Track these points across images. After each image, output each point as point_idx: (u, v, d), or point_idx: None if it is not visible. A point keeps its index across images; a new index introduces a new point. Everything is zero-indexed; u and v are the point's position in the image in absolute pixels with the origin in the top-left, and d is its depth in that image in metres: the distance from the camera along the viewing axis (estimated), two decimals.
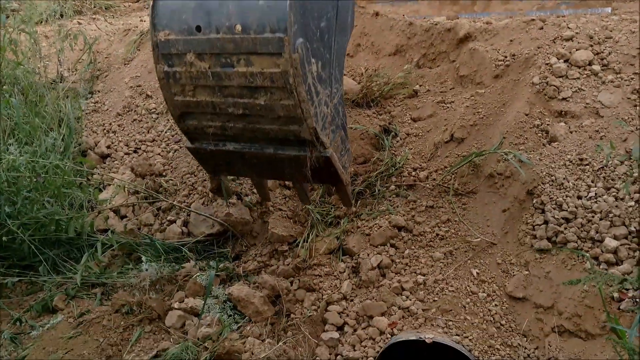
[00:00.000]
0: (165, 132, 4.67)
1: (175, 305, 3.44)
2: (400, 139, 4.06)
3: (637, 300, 2.89)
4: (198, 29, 2.51)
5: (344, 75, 3.66)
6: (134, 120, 4.82)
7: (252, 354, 3.08)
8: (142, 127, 4.77)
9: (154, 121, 4.77)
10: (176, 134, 4.64)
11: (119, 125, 4.82)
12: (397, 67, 4.64)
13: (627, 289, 2.98)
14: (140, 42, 5.46)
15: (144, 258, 3.73)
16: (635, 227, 3.10)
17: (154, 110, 4.83)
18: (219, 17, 2.47)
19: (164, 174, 4.37)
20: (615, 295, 2.99)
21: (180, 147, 4.54)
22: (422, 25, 4.70)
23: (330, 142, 2.67)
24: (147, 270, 3.66)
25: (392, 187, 3.81)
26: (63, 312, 3.49)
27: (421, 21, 4.77)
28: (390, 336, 3.14)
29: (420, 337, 3.00)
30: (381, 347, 3.10)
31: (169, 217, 4.10)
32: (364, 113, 4.25)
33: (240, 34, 2.44)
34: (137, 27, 5.72)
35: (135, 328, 3.32)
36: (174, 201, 4.13)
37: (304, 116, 2.49)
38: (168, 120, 4.73)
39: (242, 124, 2.67)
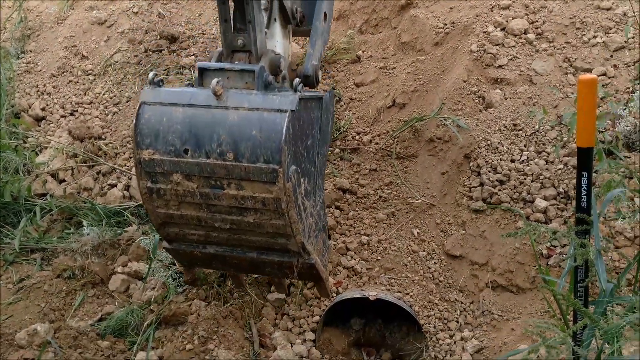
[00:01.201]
0: (103, 95, 4.54)
1: (119, 269, 3.41)
2: (344, 104, 4.12)
3: (564, 255, 3.10)
4: (186, 151, 2.43)
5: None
6: (70, 81, 4.65)
7: (199, 315, 3.11)
8: (78, 88, 4.60)
9: (91, 83, 4.62)
10: (115, 96, 4.52)
11: (53, 87, 4.64)
12: (340, 33, 4.66)
13: (555, 246, 3.20)
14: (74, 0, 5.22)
15: (85, 222, 3.66)
16: (563, 189, 3.31)
17: (91, 71, 4.67)
18: (209, 142, 2.40)
19: (103, 137, 4.27)
20: (544, 252, 3.20)
21: (120, 110, 4.44)
22: None
23: (314, 248, 2.67)
24: (88, 234, 3.59)
25: (337, 150, 3.88)
26: (1, 278, 3.39)
27: None
28: (335, 295, 3.24)
29: (364, 295, 3.12)
30: (327, 306, 3.20)
31: (109, 181, 4.02)
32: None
33: (232, 161, 2.39)
34: None
35: (78, 292, 3.28)
36: (114, 164, 4.05)
37: (293, 234, 2.49)
38: (106, 82, 4.60)
39: (227, 235, 2.62)
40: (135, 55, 4.65)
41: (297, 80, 2.48)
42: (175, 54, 4.64)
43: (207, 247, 2.70)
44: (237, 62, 2.65)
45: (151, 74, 2.56)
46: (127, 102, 4.46)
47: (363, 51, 4.44)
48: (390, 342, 3.32)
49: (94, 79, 4.64)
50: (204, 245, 2.70)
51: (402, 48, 4.36)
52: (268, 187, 2.38)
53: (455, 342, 3.08)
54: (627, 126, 3.27)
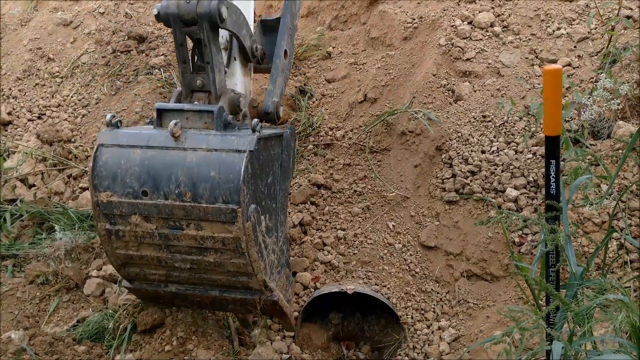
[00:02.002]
0: (72, 97, 4.48)
1: (93, 273, 3.38)
2: (316, 100, 4.13)
3: (535, 242, 3.17)
4: (144, 193, 2.43)
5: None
6: (36, 84, 4.57)
7: (176, 317, 3.10)
8: (45, 91, 4.53)
9: (59, 85, 4.55)
10: (83, 98, 4.46)
11: (19, 90, 4.55)
12: (309, 29, 4.68)
13: (526, 234, 3.27)
14: (37, 1, 5.13)
15: (57, 227, 3.61)
16: (533, 178, 3.38)
17: (58, 74, 4.60)
18: (167, 183, 2.41)
19: (72, 140, 4.20)
20: (516, 240, 3.26)
21: (89, 112, 4.38)
22: None
23: (276, 285, 2.67)
24: (61, 239, 3.54)
25: (310, 146, 3.90)
26: None
27: None
28: (313, 290, 3.26)
29: (342, 289, 3.15)
30: (305, 301, 3.22)
31: (81, 184, 3.97)
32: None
33: (190, 201, 2.40)
34: None
35: (52, 298, 3.24)
36: (85, 167, 4.00)
37: (254, 272, 2.50)
38: (74, 84, 4.53)
39: (188, 274, 2.62)
40: (103, 57, 4.60)
41: (255, 120, 2.49)
42: (144, 54, 4.59)
43: (169, 286, 2.72)
44: (196, 102, 2.66)
45: (109, 116, 2.56)
46: (96, 104, 4.40)
47: (333, 47, 4.46)
48: (369, 335, 3.36)
49: (62, 82, 4.57)
50: (166, 284, 2.71)
51: (371, 43, 4.40)
52: (227, 227, 2.39)
53: (432, 332, 3.13)
54: (591, 115, 3.35)
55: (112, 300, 3.22)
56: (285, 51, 3.09)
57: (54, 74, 4.61)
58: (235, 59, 2.95)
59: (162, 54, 4.54)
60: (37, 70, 4.65)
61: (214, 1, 2.50)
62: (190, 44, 2.68)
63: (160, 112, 2.58)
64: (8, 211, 3.64)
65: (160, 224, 2.48)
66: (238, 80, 2.95)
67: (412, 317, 3.18)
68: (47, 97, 4.51)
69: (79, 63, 4.61)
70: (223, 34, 2.83)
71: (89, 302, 3.24)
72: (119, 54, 4.60)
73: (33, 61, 4.69)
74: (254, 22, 3.16)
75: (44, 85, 4.57)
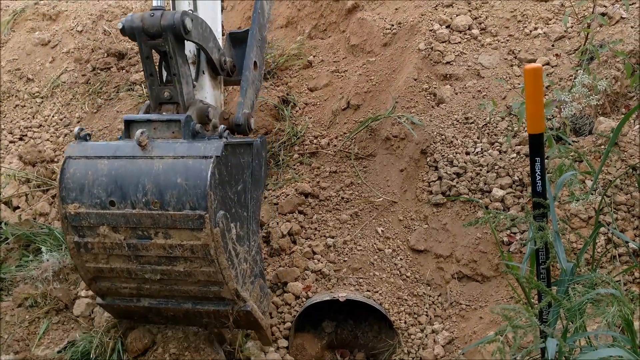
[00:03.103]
0: (53, 117, 4.44)
1: (82, 293, 3.33)
2: (300, 109, 4.14)
3: (524, 241, 3.19)
4: (112, 203, 2.44)
5: None
6: (17, 106, 4.53)
7: (167, 335, 3.07)
8: (26, 112, 4.49)
9: (39, 106, 4.51)
10: (65, 117, 4.42)
11: None
12: (289, 39, 4.69)
13: (514, 233, 3.29)
14: (14, 22, 5.09)
15: (43, 248, 3.56)
16: (518, 177, 3.41)
17: (38, 94, 4.57)
18: (134, 192, 2.41)
19: (55, 159, 4.16)
20: (505, 239, 3.28)
21: (71, 132, 4.34)
22: None
23: (250, 295, 2.67)
24: (48, 260, 3.49)
25: (296, 155, 3.90)
26: None
27: None
28: (305, 299, 3.25)
29: (333, 297, 3.14)
30: (297, 311, 3.20)
31: None
32: (262, 85, 4.27)
33: (157, 209, 2.40)
34: (8, 6, 5.32)
35: (41, 320, 3.20)
36: None
37: (225, 280, 2.49)
38: (54, 103, 4.50)
39: (159, 286, 2.62)
40: (83, 75, 4.57)
41: (222, 127, 2.52)
42: (124, 70, 4.57)
43: (141, 300, 2.70)
44: (164, 113, 2.67)
45: (76, 129, 2.59)
46: (78, 122, 4.37)
47: (314, 56, 4.47)
48: (363, 342, 3.35)
49: (42, 102, 4.53)
50: (137, 298, 2.70)
51: (352, 51, 4.42)
52: (195, 234, 2.39)
53: (426, 336, 3.13)
54: (572, 112, 3.39)
55: (98, 320, 3.18)
56: (255, 63, 3.12)
57: (34, 94, 4.57)
58: (203, 73, 2.97)
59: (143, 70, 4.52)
60: (16, 91, 4.61)
61: (177, 14, 2.52)
62: (157, 57, 2.69)
63: (128, 124, 2.60)
64: None
65: (128, 234, 2.48)
66: (208, 94, 2.96)
67: (405, 322, 3.18)
68: (28, 118, 4.47)
69: (59, 82, 4.57)
70: (190, 48, 2.85)
71: (79, 322, 3.20)
72: (99, 71, 4.57)
73: (12, 82, 4.65)
74: (223, 35, 3.17)
75: (24, 106, 4.53)
